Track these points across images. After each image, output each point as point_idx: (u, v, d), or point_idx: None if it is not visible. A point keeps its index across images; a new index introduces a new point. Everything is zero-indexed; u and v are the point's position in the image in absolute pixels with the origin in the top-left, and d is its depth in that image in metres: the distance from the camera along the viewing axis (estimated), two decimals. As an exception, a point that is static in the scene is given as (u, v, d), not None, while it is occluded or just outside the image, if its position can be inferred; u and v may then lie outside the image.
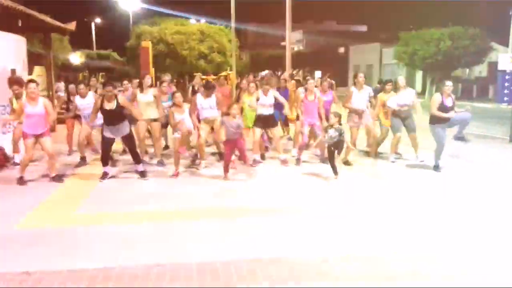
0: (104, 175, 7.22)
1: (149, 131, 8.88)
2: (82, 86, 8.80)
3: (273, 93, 8.36)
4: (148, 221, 5.24)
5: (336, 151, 7.20)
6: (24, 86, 7.26)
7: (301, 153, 8.44)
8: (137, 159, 7.42)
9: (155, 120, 8.33)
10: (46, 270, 3.93)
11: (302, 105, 8.36)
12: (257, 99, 8.26)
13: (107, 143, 7.20)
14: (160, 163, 8.21)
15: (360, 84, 8.49)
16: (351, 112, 8.56)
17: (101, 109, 7.07)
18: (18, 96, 7.56)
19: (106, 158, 7.27)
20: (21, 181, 6.93)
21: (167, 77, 9.76)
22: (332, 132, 7.09)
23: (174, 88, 10.10)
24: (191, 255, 4.25)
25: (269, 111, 8.30)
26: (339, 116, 7.21)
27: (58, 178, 7.10)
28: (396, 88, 8.43)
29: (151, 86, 8.55)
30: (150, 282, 3.73)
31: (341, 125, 7.21)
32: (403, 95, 8.27)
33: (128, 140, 7.39)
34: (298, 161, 8.38)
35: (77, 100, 8.65)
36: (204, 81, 10.65)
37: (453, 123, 7.62)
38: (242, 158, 7.63)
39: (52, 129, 7.31)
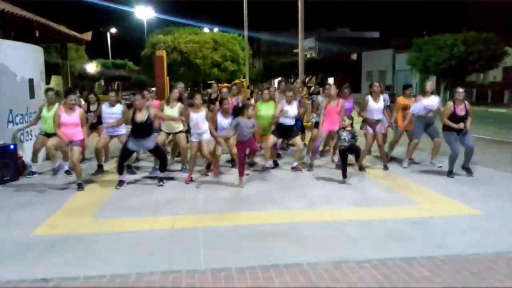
0: (120, 183, 7.30)
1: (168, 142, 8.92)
2: (113, 94, 8.75)
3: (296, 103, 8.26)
4: (163, 227, 5.27)
5: (354, 156, 7.22)
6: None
7: (313, 159, 8.41)
8: (163, 168, 7.44)
9: (180, 132, 8.25)
10: (63, 277, 3.97)
11: (325, 112, 8.22)
12: (280, 110, 8.03)
13: (126, 154, 7.29)
14: (184, 170, 8.23)
15: (376, 93, 8.37)
16: (366, 120, 8.51)
17: (132, 120, 7.07)
18: (52, 103, 7.99)
19: (122, 167, 7.34)
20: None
21: (179, 85, 9.71)
22: (345, 135, 7.10)
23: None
24: (206, 261, 4.28)
25: (291, 121, 8.18)
26: (351, 119, 7.23)
27: (80, 186, 7.18)
28: (424, 93, 8.36)
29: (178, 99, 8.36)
30: (166, 289, 3.75)
31: (353, 128, 7.22)
32: (429, 101, 8.23)
33: (157, 152, 7.43)
34: (310, 166, 8.36)
35: (105, 107, 8.58)
36: (220, 91, 10.49)
37: (462, 141, 7.55)
38: (251, 154, 7.46)
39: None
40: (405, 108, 8.62)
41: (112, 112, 8.42)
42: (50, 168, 7.83)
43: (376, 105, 8.33)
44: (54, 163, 7.61)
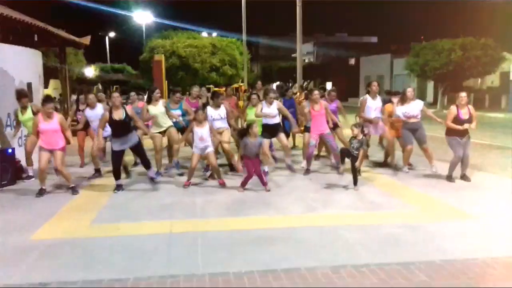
0: (118, 188, 7.30)
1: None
2: (91, 96, 8.87)
3: (277, 105, 8.41)
4: (161, 232, 5.27)
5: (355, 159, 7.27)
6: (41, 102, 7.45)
7: (309, 164, 8.45)
8: (147, 165, 7.50)
9: (170, 127, 8.37)
10: (61, 281, 3.97)
11: (310, 117, 8.35)
12: (261, 110, 8.23)
13: (117, 157, 7.28)
14: (175, 166, 8.25)
15: (374, 92, 8.48)
16: (366, 121, 8.53)
17: (110, 120, 7.11)
18: (24, 108, 8.00)
19: (118, 172, 7.34)
20: (41, 192, 7.04)
21: (196, 88, 9.88)
22: (354, 143, 7.12)
23: (199, 102, 9.81)
24: (204, 266, 4.28)
25: (274, 120, 8.35)
26: (361, 126, 7.27)
27: (74, 189, 7.19)
28: (403, 99, 8.28)
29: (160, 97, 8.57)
30: (164, 293, 3.75)
31: (364, 135, 7.25)
32: (411, 106, 8.19)
33: (138, 148, 7.48)
34: (307, 171, 8.39)
35: (87, 112, 8.73)
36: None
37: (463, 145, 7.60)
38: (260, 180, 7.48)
39: (68, 142, 7.48)
40: (390, 115, 8.65)
41: (95, 114, 8.48)
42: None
43: (375, 103, 8.44)
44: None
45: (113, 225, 5.59)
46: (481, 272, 4.10)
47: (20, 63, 8.88)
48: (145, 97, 9.72)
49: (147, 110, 8.27)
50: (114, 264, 4.35)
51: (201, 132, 7.41)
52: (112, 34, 57.12)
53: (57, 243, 4.95)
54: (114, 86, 37.51)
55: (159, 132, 8.36)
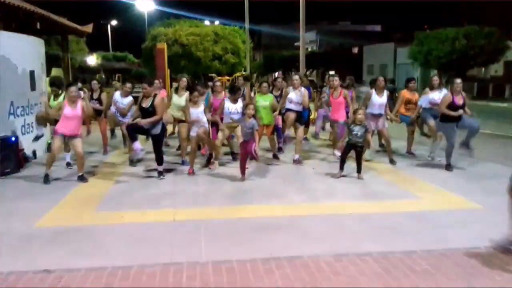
0: (136, 151, 7.31)
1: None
2: (129, 85, 9.08)
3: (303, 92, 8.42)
4: (165, 220, 5.30)
5: (361, 150, 7.26)
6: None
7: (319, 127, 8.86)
8: (160, 160, 7.44)
9: (183, 121, 8.34)
10: (65, 269, 4.00)
11: (330, 104, 8.61)
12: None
13: (135, 128, 7.24)
14: (184, 163, 8.27)
15: (380, 88, 8.45)
16: (368, 115, 8.49)
17: (140, 106, 7.29)
18: (56, 95, 8.38)
19: (134, 136, 7.28)
20: (46, 179, 7.07)
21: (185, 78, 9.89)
22: (357, 130, 7.08)
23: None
24: (207, 254, 4.30)
25: (296, 108, 8.38)
26: (364, 111, 7.30)
27: (83, 177, 7.20)
28: (431, 87, 8.57)
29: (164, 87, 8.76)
30: (168, 281, 3.78)
31: (365, 124, 7.25)
32: (435, 95, 8.38)
33: (156, 141, 7.40)
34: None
35: (118, 97, 8.99)
36: (229, 82, 10.82)
37: (463, 125, 7.58)
38: (251, 157, 7.49)
39: (88, 132, 7.78)
40: (409, 102, 8.68)
41: (126, 102, 8.90)
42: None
43: (380, 100, 8.38)
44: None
45: (117, 213, 5.61)
46: (484, 260, 4.11)
47: (22, 51, 8.85)
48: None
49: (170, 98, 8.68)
50: (118, 252, 4.38)
51: (197, 112, 7.50)
52: (114, 22, 56.91)
53: (61, 230, 4.98)
54: (117, 75, 37.47)
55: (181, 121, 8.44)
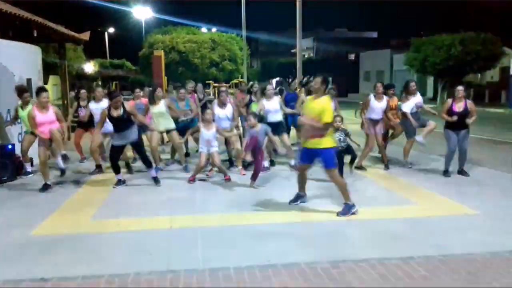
0: (118, 183, 7.31)
1: (162, 141, 8.96)
2: (100, 89, 8.99)
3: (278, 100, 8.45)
4: (162, 227, 5.29)
5: (350, 156, 7.21)
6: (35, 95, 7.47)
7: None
8: (147, 164, 7.48)
9: (171, 130, 8.35)
10: (61, 276, 3.98)
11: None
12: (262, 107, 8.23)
13: (115, 151, 7.29)
14: (185, 169, 8.28)
15: (378, 94, 8.45)
16: (367, 120, 8.53)
17: (109, 116, 7.17)
18: (25, 103, 7.82)
19: (116, 166, 7.33)
20: (45, 187, 7.07)
21: (191, 84, 10.00)
22: (338, 135, 7.07)
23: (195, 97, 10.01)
24: (204, 261, 4.29)
25: (275, 117, 8.32)
26: (341, 118, 7.23)
27: (65, 157, 7.16)
28: (408, 93, 8.44)
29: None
30: (165, 288, 3.76)
31: (344, 128, 7.22)
32: (417, 98, 8.40)
33: (137, 146, 7.54)
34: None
35: (91, 104, 8.82)
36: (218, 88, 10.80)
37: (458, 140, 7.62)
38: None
39: (62, 134, 7.47)
40: (390, 108, 8.68)
41: (100, 107, 8.37)
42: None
43: (379, 105, 8.40)
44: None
45: (113, 220, 5.59)
46: (481, 267, 4.11)
47: (19, 59, 8.87)
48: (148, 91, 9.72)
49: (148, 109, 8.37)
50: (115, 260, 4.36)
51: (208, 136, 7.47)
52: (111, 30, 56.96)
53: (57, 238, 4.96)
54: (114, 82, 37.47)
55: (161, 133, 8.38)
